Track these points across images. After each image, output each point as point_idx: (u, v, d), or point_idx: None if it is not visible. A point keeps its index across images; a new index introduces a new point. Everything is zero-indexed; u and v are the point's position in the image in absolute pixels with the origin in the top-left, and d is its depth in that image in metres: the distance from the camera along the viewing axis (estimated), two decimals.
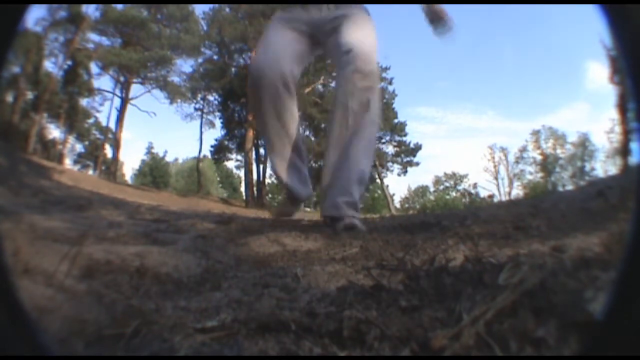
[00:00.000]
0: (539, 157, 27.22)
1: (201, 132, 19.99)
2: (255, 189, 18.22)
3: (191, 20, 18.81)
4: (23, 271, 0.57)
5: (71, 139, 20.71)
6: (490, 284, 0.48)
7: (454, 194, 29.37)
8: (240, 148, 19.17)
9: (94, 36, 18.18)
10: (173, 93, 18.86)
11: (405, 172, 21.33)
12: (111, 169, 19.19)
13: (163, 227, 1.53)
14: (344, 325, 0.44)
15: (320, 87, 18.46)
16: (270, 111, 1.71)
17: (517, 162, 27.53)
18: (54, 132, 19.33)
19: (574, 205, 1.43)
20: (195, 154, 21.92)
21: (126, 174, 28.16)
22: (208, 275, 0.81)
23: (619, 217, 0.94)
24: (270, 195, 20.30)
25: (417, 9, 1.80)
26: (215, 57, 18.84)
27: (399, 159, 21.10)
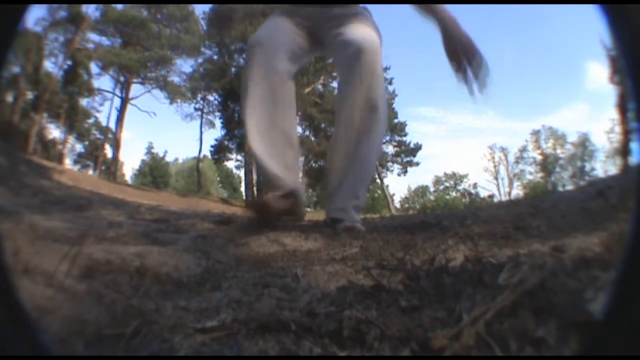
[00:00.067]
0: (539, 157, 27.31)
1: (201, 132, 20.08)
2: (255, 189, 18.21)
3: (191, 20, 18.85)
4: (23, 271, 0.57)
5: (71, 139, 20.78)
6: (490, 284, 0.48)
7: (454, 194, 29.44)
8: (240, 148, 19.18)
9: (94, 36, 18.29)
10: (173, 93, 18.91)
11: (405, 172, 21.40)
12: (111, 169, 19.23)
13: (163, 227, 1.53)
14: (344, 325, 0.44)
15: (320, 87, 18.48)
16: (260, 80, 1.58)
17: (517, 162, 27.63)
18: (54, 132, 19.42)
19: (574, 205, 1.43)
20: (195, 154, 21.98)
21: (126, 174, 28.27)
22: (208, 275, 0.81)
23: (619, 217, 0.94)
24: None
25: (416, 9, 1.61)
26: (215, 57, 18.91)
27: (399, 159, 21.15)
